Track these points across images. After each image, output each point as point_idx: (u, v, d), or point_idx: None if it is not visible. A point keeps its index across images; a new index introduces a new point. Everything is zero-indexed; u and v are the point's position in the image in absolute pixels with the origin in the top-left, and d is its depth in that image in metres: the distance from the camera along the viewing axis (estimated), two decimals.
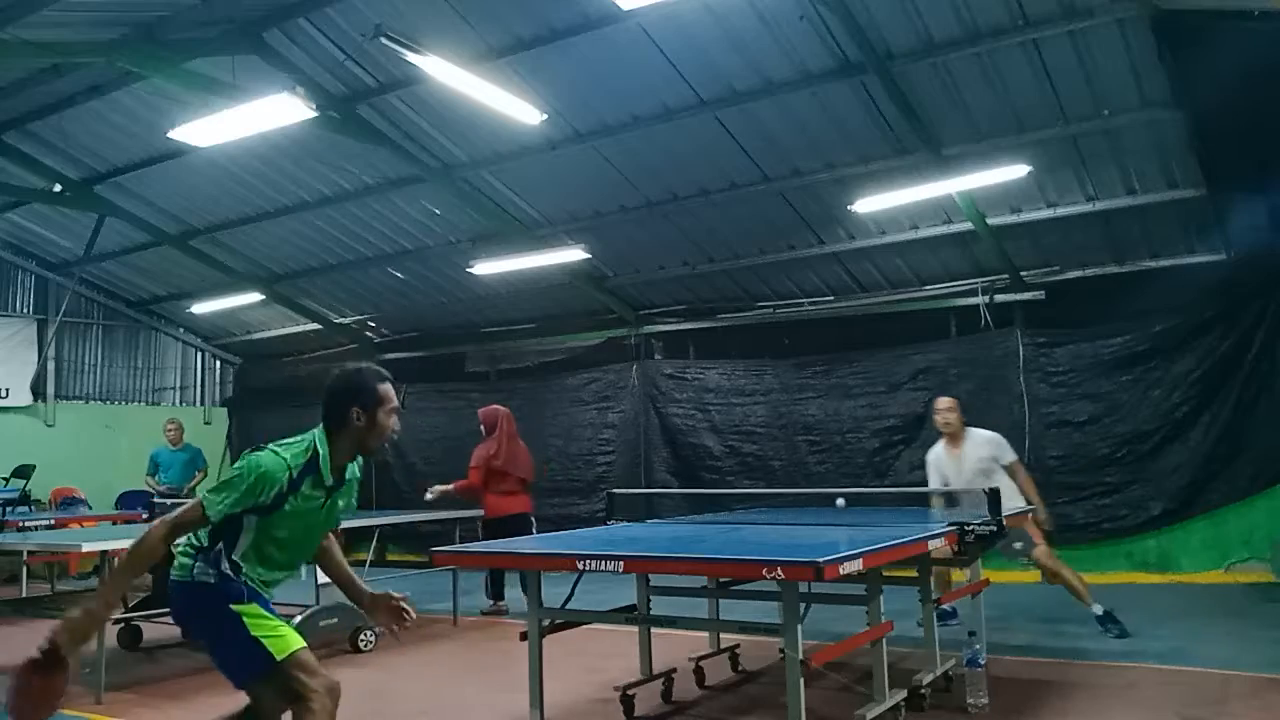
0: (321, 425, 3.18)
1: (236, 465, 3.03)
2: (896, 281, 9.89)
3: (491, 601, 8.06)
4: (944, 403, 6.41)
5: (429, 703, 3.94)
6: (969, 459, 6.18)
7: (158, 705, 5.14)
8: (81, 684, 5.48)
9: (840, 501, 6.10)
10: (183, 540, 3.07)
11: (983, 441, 6.24)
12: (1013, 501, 5.86)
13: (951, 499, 6.16)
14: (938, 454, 6.42)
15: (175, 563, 3.11)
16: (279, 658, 2.96)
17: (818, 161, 8.44)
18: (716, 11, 6.88)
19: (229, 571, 3.04)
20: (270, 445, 3.11)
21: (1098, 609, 6.03)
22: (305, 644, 3.04)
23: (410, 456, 12.44)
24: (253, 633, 2.98)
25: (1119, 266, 8.88)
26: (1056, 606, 6.33)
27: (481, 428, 8.10)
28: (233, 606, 3.02)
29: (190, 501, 3.02)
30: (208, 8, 7.34)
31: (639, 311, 11.36)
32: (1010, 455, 6.20)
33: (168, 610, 6.35)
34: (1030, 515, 5.83)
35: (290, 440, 3.17)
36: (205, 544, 3.06)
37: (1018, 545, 5.79)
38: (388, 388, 3.22)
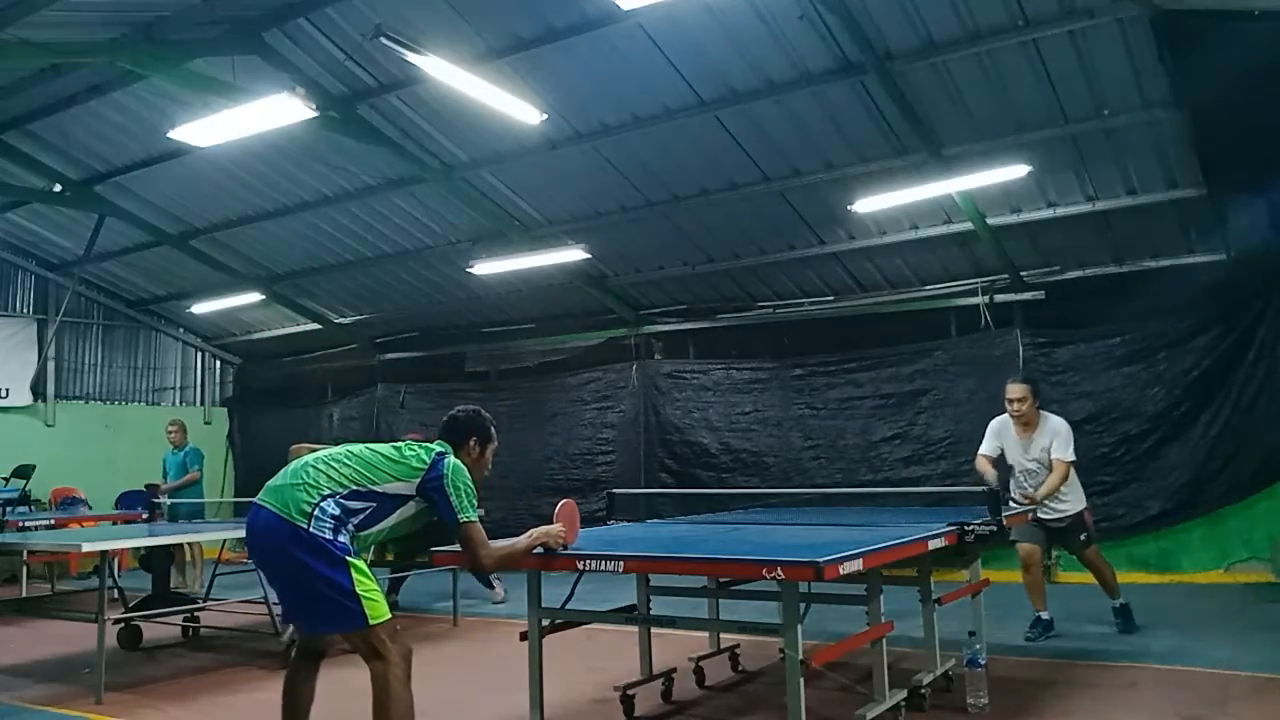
0: (443, 442, 3.67)
1: (454, 471, 3.51)
2: (896, 281, 9.90)
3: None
4: (1016, 390, 6.07)
5: (429, 703, 3.93)
6: (1037, 446, 6.05)
7: (158, 705, 5.14)
8: (81, 684, 5.50)
9: None
10: (311, 498, 3.33)
11: (1051, 430, 6.05)
12: (1078, 496, 6.15)
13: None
14: (1005, 426, 6.19)
15: (278, 500, 3.36)
16: (373, 623, 3.27)
17: (818, 161, 8.44)
18: (716, 11, 6.88)
19: (345, 526, 3.38)
20: (438, 448, 3.60)
21: (1116, 601, 6.27)
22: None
23: None
24: (358, 590, 3.28)
25: (1119, 266, 8.88)
26: (1057, 607, 6.33)
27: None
28: (349, 559, 3.33)
29: (473, 533, 3.52)
30: (208, 8, 7.34)
31: (639, 311, 11.36)
32: (1059, 453, 5.96)
33: (174, 610, 6.34)
34: (1087, 513, 6.19)
35: (435, 446, 3.64)
36: (341, 515, 3.37)
37: (1082, 537, 6.14)
38: (496, 440, 3.87)
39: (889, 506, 7.26)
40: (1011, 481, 6.22)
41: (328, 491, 3.36)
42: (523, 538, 3.74)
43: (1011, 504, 6.02)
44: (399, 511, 3.52)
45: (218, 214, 11.04)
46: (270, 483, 3.47)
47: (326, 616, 3.32)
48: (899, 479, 9.30)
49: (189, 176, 10.08)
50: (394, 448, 3.59)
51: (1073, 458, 6.01)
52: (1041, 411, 6.16)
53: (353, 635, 3.31)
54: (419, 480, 3.49)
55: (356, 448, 3.60)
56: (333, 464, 3.46)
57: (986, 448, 6.27)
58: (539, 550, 3.75)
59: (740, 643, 5.50)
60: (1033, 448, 6.08)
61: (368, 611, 3.26)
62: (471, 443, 3.74)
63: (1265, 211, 7.86)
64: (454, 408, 3.88)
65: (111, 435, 13.06)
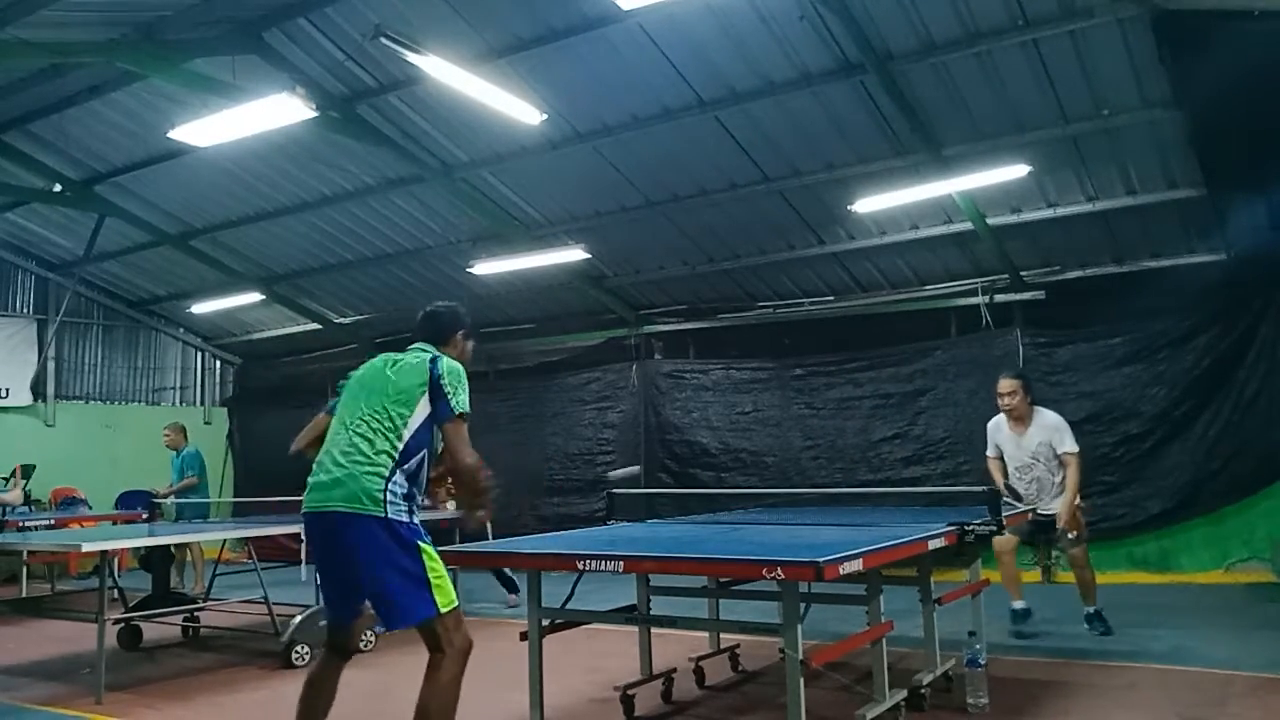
0: (429, 344, 3.58)
1: (449, 370, 3.41)
2: (896, 281, 9.90)
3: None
4: (1006, 385, 6.15)
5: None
6: (1032, 441, 6.10)
7: (158, 705, 5.14)
8: (81, 684, 5.50)
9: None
10: (379, 484, 3.24)
11: (1047, 426, 6.10)
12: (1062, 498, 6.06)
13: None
14: (999, 425, 6.28)
15: (345, 495, 3.24)
16: (442, 611, 3.23)
17: (818, 161, 8.44)
18: (716, 11, 6.88)
19: (415, 500, 3.32)
20: (427, 355, 3.48)
21: (1090, 609, 6.15)
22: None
23: None
24: (430, 576, 3.23)
25: (1119, 266, 8.88)
26: (1056, 607, 6.35)
27: None
28: (421, 544, 3.26)
29: (463, 429, 3.38)
30: (208, 8, 7.34)
31: (639, 311, 11.36)
32: (1067, 445, 6.02)
33: (174, 610, 6.29)
34: (1079, 508, 6.03)
35: (422, 352, 3.52)
36: (398, 458, 3.29)
37: (1071, 535, 5.99)
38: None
39: (889, 506, 7.26)
40: (1013, 480, 6.25)
41: (389, 468, 3.26)
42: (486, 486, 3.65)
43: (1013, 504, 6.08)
44: (433, 434, 3.42)
45: (218, 214, 11.04)
46: (319, 479, 3.33)
47: (399, 608, 3.24)
48: (899, 479, 9.30)
49: (189, 176, 10.08)
50: (393, 385, 3.41)
51: (1077, 448, 6.06)
52: (1035, 407, 6.21)
53: (421, 624, 3.24)
54: (428, 393, 3.38)
55: (368, 398, 3.42)
56: (373, 430, 3.32)
57: (990, 449, 6.37)
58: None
59: (740, 643, 5.50)
60: (1027, 442, 6.12)
61: (438, 600, 3.21)
62: (459, 336, 3.69)
63: (1265, 211, 7.85)
64: (430, 304, 3.80)
65: (111, 435, 13.07)
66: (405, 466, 3.31)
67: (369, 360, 3.62)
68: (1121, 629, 6.19)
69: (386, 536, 3.20)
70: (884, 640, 4.12)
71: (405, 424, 3.34)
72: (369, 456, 3.27)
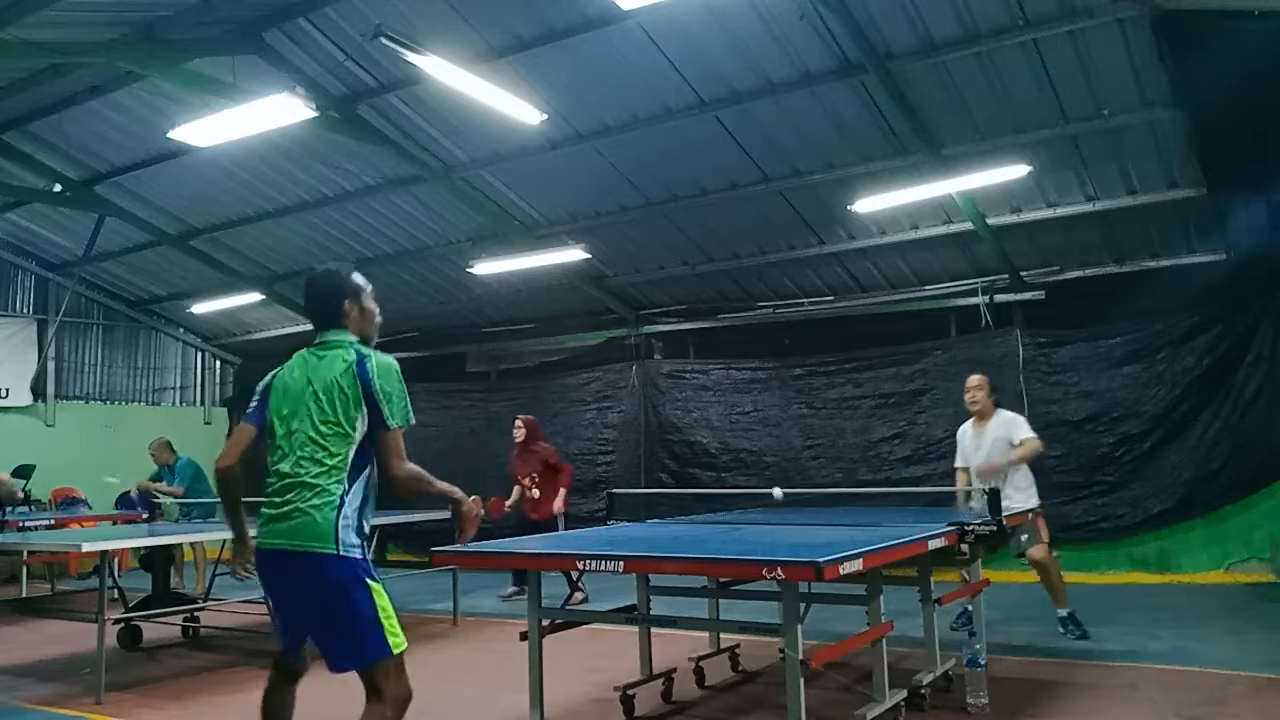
0: (329, 328, 3.14)
1: (379, 374, 3.00)
2: (896, 281, 9.90)
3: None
4: (973, 380, 6.32)
5: (429, 703, 3.93)
6: (989, 437, 6.20)
7: (158, 705, 5.14)
8: (81, 684, 5.50)
9: (778, 493, 6.11)
10: (319, 492, 2.93)
11: (1005, 422, 6.22)
12: (1029, 493, 6.07)
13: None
14: (964, 430, 6.45)
15: (293, 532, 2.92)
16: (395, 652, 2.94)
17: (818, 161, 8.45)
18: (716, 11, 6.88)
19: (365, 527, 3.00)
20: (353, 345, 3.08)
21: (1063, 611, 6.13)
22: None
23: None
24: (380, 616, 2.93)
25: (1119, 266, 8.88)
26: (1055, 607, 6.34)
27: (524, 433, 8.66)
28: (370, 581, 2.95)
29: (393, 440, 3.01)
30: (208, 8, 7.34)
31: (639, 311, 11.36)
32: (1023, 433, 6.09)
33: (174, 610, 6.29)
34: (1039, 513, 6.01)
35: (334, 346, 3.09)
36: (346, 481, 2.97)
37: (1023, 538, 5.95)
38: (361, 276, 3.25)
39: (889, 506, 7.27)
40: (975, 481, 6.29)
41: (338, 496, 2.94)
42: (442, 483, 3.15)
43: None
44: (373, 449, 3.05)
45: (218, 214, 11.05)
46: (268, 512, 3.01)
47: (351, 650, 2.94)
48: (899, 479, 9.30)
49: (189, 176, 10.09)
50: (323, 396, 3.00)
51: (1034, 434, 6.12)
52: (998, 408, 6.33)
53: (370, 666, 2.94)
54: (364, 403, 3.00)
55: (301, 411, 3.01)
56: (314, 455, 2.96)
57: (958, 459, 6.47)
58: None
59: (740, 643, 5.50)
60: (985, 439, 6.21)
61: (390, 641, 2.93)
62: (347, 305, 3.16)
63: (1265, 211, 7.86)
64: (311, 273, 3.28)
65: (111, 435, 13.06)
66: (353, 492, 2.99)
67: (291, 361, 3.21)
68: (1122, 629, 6.20)
69: (338, 574, 2.90)
70: (884, 640, 4.12)
71: (347, 443, 2.99)
72: (315, 484, 2.94)
